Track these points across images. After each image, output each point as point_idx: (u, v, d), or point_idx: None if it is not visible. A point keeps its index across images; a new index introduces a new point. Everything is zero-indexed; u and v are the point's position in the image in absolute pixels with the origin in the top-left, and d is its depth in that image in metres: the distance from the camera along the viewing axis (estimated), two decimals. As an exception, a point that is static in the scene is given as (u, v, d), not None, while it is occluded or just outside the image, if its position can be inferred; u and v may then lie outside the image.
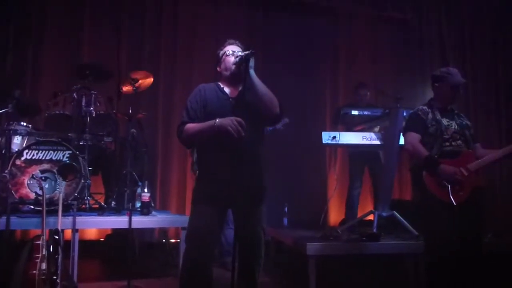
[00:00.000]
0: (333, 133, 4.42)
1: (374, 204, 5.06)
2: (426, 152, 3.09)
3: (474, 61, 6.02)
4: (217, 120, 2.37)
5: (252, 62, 2.43)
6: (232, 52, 2.58)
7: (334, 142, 4.41)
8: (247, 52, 2.45)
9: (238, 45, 2.65)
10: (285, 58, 5.90)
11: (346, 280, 4.01)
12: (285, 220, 5.15)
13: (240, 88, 2.56)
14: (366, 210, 4.96)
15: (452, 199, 2.98)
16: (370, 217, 4.50)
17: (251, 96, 2.46)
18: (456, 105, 3.37)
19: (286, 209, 5.16)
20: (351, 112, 4.42)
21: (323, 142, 4.42)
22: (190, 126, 2.48)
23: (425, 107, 3.25)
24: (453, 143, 3.14)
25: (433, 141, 3.14)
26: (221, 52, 2.64)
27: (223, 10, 5.90)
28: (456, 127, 3.18)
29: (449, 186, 2.99)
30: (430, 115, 3.19)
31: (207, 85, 2.64)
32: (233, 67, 2.54)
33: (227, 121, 2.34)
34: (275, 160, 5.74)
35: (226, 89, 2.60)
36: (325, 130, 4.60)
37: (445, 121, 3.17)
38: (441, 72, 3.25)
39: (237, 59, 2.50)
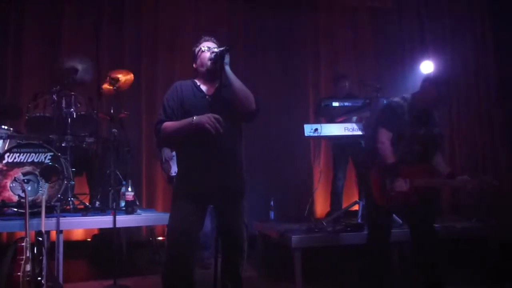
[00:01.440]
0: (315, 126, 4.45)
1: (359, 194, 5.11)
2: (392, 158, 3.03)
3: (454, 52, 6.07)
4: (194, 118, 2.39)
5: (227, 58, 2.44)
6: (208, 48, 2.58)
7: (316, 134, 4.44)
8: (222, 48, 2.47)
9: (213, 42, 2.65)
10: (266, 51, 5.92)
11: (333, 271, 4.06)
12: (272, 214, 5.18)
13: (216, 85, 2.55)
14: (353, 200, 5.00)
15: (386, 201, 3.09)
16: (356, 207, 4.55)
17: (228, 93, 2.48)
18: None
19: (272, 203, 5.20)
20: (332, 104, 4.47)
21: (305, 134, 4.46)
22: (168, 124, 2.49)
23: (405, 104, 3.12)
24: (413, 151, 3.10)
25: (397, 142, 3.08)
26: (197, 49, 2.64)
27: (204, 5, 5.88)
28: (423, 132, 3.12)
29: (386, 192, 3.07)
30: (406, 116, 3.08)
31: (183, 82, 2.64)
32: (209, 63, 2.54)
33: (205, 118, 2.35)
34: (259, 154, 5.79)
35: (203, 86, 2.60)
36: (308, 123, 4.64)
37: (416, 125, 3.10)
38: (437, 78, 3.23)
39: (213, 55, 2.51)
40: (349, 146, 4.85)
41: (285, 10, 6.05)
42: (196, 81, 2.63)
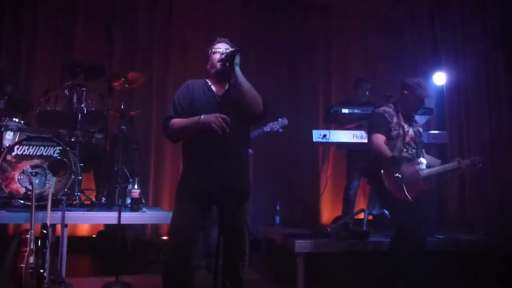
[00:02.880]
0: (323, 131, 4.45)
1: (368, 203, 5.08)
2: (390, 152, 3.28)
3: (466, 62, 6.02)
4: (202, 116, 2.39)
5: (237, 59, 2.44)
6: (219, 49, 2.59)
7: (324, 140, 4.43)
8: (232, 49, 2.48)
9: (227, 43, 2.65)
10: (278, 56, 5.93)
11: (336, 278, 4.02)
12: (277, 218, 5.17)
13: (227, 86, 2.58)
14: (359, 208, 4.96)
15: (408, 195, 3.20)
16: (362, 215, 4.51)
17: (237, 94, 2.48)
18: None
19: (278, 207, 5.19)
20: (341, 111, 4.45)
21: (314, 140, 4.46)
22: (176, 121, 2.50)
23: (390, 110, 3.43)
24: (409, 150, 3.39)
25: (392, 145, 3.35)
26: (210, 50, 2.65)
27: (217, 8, 5.91)
28: (412, 134, 3.43)
29: (403, 184, 3.20)
30: (395, 119, 3.40)
31: (195, 81, 2.66)
32: (218, 64, 2.55)
33: (212, 118, 2.36)
34: (267, 159, 5.81)
35: (213, 87, 2.61)
36: (317, 129, 4.63)
37: (405, 127, 3.40)
38: (412, 82, 3.45)
39: (223, 56, 2.52)
40: (364, 154, 4.75)
41: (297, 15, 6.07)
42: (208, 81, 2.64)
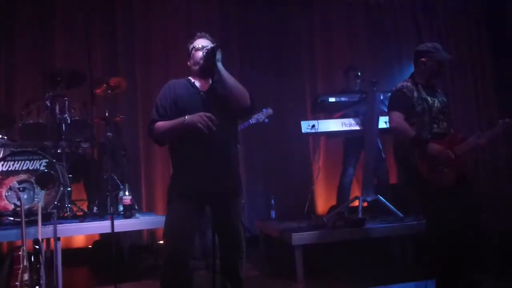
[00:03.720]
0: (311, 122, 4.43)
1: (362, 189, 5.07)
2: (413, 131, 3.01)
3: (450, 47, 6.02)
4: (186, 117, 2.36)
5: (219, 55, 2.42)
6: (201, 46, 2.56)
7: (313, 130, 4.42)
8: (212, 46, 2.45)
9: (207, 38, 2.63)
10: (261, 49, 5.87)
11: (335, 268, 4.03)
12: (273, 213, 5.16)
13: (210, 82, 2.54)
14: (354, 195, 4.96)
15: (447, 179, 2.96)
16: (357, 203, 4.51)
17: (222, 89, 2.46)
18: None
19: (272, 201, 5.18)
20: (328, 100, 4.43)
21: (303, 131, 4.44)
22: (160, 124, 2.46)
23: (409, 84, 3.13)
24: (440, 125, 3.07)
25: (420, 122, 3.05)
26: (191, 46, 2.62)
27: (196, 4, 5.84)
28: (438, 105, 3.11)
29: (440, 166, 2.94)
30: (415, 93, 3.09)
31: (177, 80, 2.63)
32: (201, 61, 2.53)
33: (196, 117, 2.33)
34: (258, 154, 5.78)
35: (197, 83, 2.58)
36: (306, 120, 4.61)
37: (429, 99, 3.09)
38: (428, 47, 3.16)
39: (204, 52, 2.49)
40: (362, 141, 4.66)
41: (279, 7, 6.00)
42: (191, 78, 2.62)
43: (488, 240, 3.90)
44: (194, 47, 2.59)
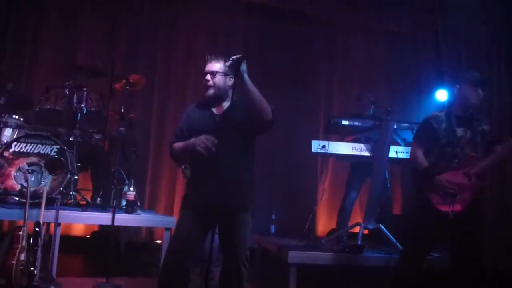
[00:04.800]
0: (322, 142, 4.43)
1: (364, 216, 5.04)
2: (425, 163, 3.05)
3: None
4: (191, 140, 2.48)
5: (244, 66, 2.42)
6: (206, 72, 2.60)
7: (323, 151, 4.41)
8: (238, 56, 2.44)
9: (215, 60, 2.63)
10: (280, 66, 5.93)
11: (327, 290, 4.00)
12: (272, 228, 5.15)
13: (227, 104, 2.60)
14: (356, 221, 4.93)
15: (450, 212, 2.97)
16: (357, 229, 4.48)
17: (238, 111, 2.52)
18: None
19: (273, 216, 5.17)
20: (341, 122, 4.43)
21: (312, 150, 4.43)
22: (176, 145, 2.63)
23: (441, 114, 3.13)
24: (462, 157, 3.04)
25: (443, 154, 3.05)
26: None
27: (221, 16, 5.95)
28: (469, 135, 3.06)
29: (447, 195, 2.97)
30: (444, 124, 3.07)
31: (197, 103, 2.74)
32: (208, 91, 2.59)
33: (197, 141, 2.44)
34: (265, 167, 5.78)
35: (212, 107, 2.64)
36: (318, 139, 4.62)
37: (460, 131, 3.05)
38: (462, 73, 3.19)
39: (228, 63, 2.49)
40: (370, 167, 4.64)
41: (301, 25, 6.09)
42: (210, 103, 2.67)
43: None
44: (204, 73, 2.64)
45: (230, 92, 2.57)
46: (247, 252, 2.61)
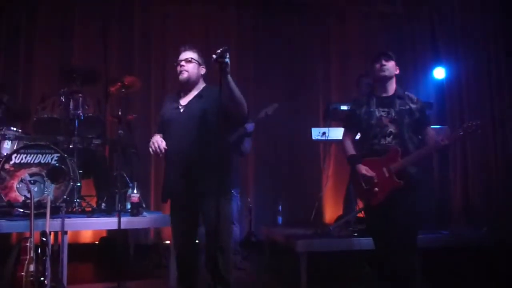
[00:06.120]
0: (322, 129, 4.43)
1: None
2: (351, 151, 3.04)
3: (467, 57, 5.96)
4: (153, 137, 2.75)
5: (227, 59, 2.44)
6: (181, 60, 2.79)
7: (324, 138, 4.41)
8: (222, 49, 2.44)
9: (190, 50, 2.82)
10: (276, 54, 5.89)
11: (338, 276, 4.00)
12: (279, 219, 5.15)
13: (193, 95, 2.78)
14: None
15: (369, 199, 2.94)
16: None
17: (200, 103, 2.71)
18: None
19: (280, 207, 5.17)
20: (340, 108, 4.41)
21: (313, 138, 4.44)
22: None
23: (363, 98, 3.09)
24: (381, 141, 2.91)
25: (365, 137, 2.99)
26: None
27: (213, 10, 5.90)
28: (393, 115, 2.92)
29: (364, 186, 2.90)
30: (364, 107, 3.00)
31: (171, 95, 2.97)
32: (181, 76, 2.77)
33: (152, 140, 2.71)
34: (268, 159, 5.79)
35: (182, 97, 2.82)
36: (318, 127, 4.61)
37: (379, 112, 2.94)
38: (374, 56, 3.05)
39: (214, 56, 2.48)
40: None
41: (295, 15, 6.04)
42: (181, 91, 2.86)
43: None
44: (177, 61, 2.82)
45: (201, 82, 2.83)
46: (228, 239, 2.75)
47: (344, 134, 3.14)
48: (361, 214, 4.58)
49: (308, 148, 5.64)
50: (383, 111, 2.95)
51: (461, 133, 2.85)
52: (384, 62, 2.95)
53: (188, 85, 2.79)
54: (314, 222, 4.74)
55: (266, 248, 4.90)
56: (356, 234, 3.95)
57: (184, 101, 2.80)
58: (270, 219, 5.45)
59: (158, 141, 2.65)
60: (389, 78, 2.99)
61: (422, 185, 2.96)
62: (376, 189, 2.88)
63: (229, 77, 2.51)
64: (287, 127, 5.68)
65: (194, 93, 2.79)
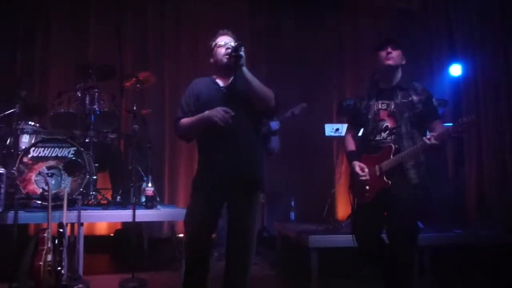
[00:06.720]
0: (335, 125, 4.44)
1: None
2: (350, 147, 2.91)
3: (483, 53, 5.87)
4: (205, 112, 2.43)
5: (242, 52, 2.41)
6: (224, 43, 2.58)
7: (337, 134, 4.42)
8: (235, 44, 2.45)
9: (229, 35, 2.64)
10: (289, 51, 5.90)
11: (349, 273, 4.01)
12: (292, 214, 5.18)
13: (232, 78, 2.57)
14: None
15: (355, 200, 2.84)
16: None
17: (243, 84, 2.48)
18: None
19: (292, 203, 5.19)
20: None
21: (326, 134, 4.46)
22: (184, 120, 2.55)
23: (367, 91, 2.92)
24: (376, 137, 2.75)
25: (364, 133, 2.84)
26: (213, 43, 2.65)
27: (225, 7, 5.93)
28: (393, 107, 2.72)
29: (355, 185, 2.79)
30: (365, 101, 2.85)
31: (200, 78, 2.69)
32: (224, 58, 2.55)
33: (213, 112, 2.40)
34: (282, 154, 5.77)
35: (219, 80, 2.63)
36: (332, 123, 4.62)
37: (377, 105, 2.77)
38: (376, 45, 2.84)
39: (228, 50, 2.50)
40: None
41: (308, 11, 6.02)
42: (214, 76, 2.66)
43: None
44: (216, 44, 2.62)
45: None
46: (254, 242, 2.54)
47: (347, 130, 3.03)
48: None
49: (321, 144, 5.64)
50: (382, 104, 2.76)
51: (451, 132, 2.55)
52: (390, 50, 2.74)
53: (227, 70, 2.56)
54: (326, 218, 4.77)
55: (278, 244, 4.94)
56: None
57: (224, 83, 2.60)
58: (282, 215, 5.48)
59: (221, 111, 2.38)
60: (394, 68, 2.77)
61: (419, 189, 2.70)
62: (367, 187, 2.73)
63: (244, 69, 2.41)
64: (300, 123, 5.67)
65: (231, 76, 2.57)
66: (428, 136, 2.57)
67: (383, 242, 2.82)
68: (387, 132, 2.72)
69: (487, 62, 5.81)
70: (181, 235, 5.08)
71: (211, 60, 2.67)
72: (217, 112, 2.38)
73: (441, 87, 5.88)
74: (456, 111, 5.74)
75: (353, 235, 2.89)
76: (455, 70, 5.80)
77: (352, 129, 3.00)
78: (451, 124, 2.70)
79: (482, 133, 5.82)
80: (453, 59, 5.91)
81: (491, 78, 5.84)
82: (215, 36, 2.66)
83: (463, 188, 5.55)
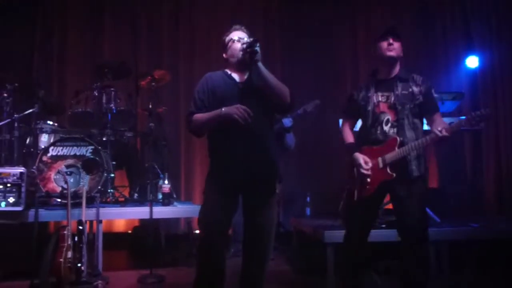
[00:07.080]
0: (350, 120, 4.39)
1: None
2: (349, 139, 2.87)
3: (501, 45, 5.77)
4: (223, 109, 2.40)
5: (257, 48, 2.38)
6: (238, 38, 2.56)
7: (351, 128, 4.38)
8: (250, 40, 2.44)
9: (243, 31, 2.63)
10: (303, 45, 5.86)
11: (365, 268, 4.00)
12: (308, 210, 5.17)
13: (247, 74, 2.57)
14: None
15: (356, 193, 2.80)
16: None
17: (259, 81, 2.47)
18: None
19: (308, 199, 5.18)
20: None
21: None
22: (198, 116, 2.50)
23: (362, 84, 2.89)
24: (378, 130, 2.71)
25: (364, 125, 2.79)
26: (227, 38, 2.62)
27: (241, 6, 5.95)
28: (393, 99, 2.68)
29: (357, 178, 2.76)
30: (363, 92, 2.80)
31: (213, 73, 2.65)
32: (240, 54, 2.51)
33: (233, 109, 2.36)
34: (297, 150, 5.77)
35: (234, 75, 2.59)
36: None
37: (377, 97, 2.73)
38: (379, 35, 2.78)
39: (244, 45, 2.48)
40: None
41: (322, 3, 5.99)
42: (227, 70, 2.63)
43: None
44: (231, 39, 2.59)
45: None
46: (271, 237, 2.55)
47: (343, 121, 2.96)
48: (389, 206, 4.56)
49: (336, 139, 5.59)
50: (382, 96, 2.72)
51: (463, 125, 2.52)
52: (392, 41, 2.69)
53: (242, 65, 2.54)
54: (341, 214, 4.75)
55: (294, 239, 4.95)
56: (383, 226, 3.93)
57: (239, 79, 2.58)
58: (298, 210, 5.48)
59: (240, 109, 2.35)
60: (395, 59, 2.72)
61: (420, 183, 2.70)
62: (368, 180, 2.70)
63: (259, 64, 2.39)
64: (315, 118, 5.67)
65: (246, 72, 2.57)
66: (439, 128, 2.52)
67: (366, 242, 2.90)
68: (389, 125, 2.69)
69: (505, 53, 5.71)
70: (198, 231, 5.14)
71: (224, 55, 2.64)
72: (237, 110, 2.35)
73: (458, 79, 5.81)
74: (473, 104, 5.66)
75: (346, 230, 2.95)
76: (472, 62, 5.72)
77: (348, 120, 2.95)
78: (464, 117, 2.66)
79: (500, 126, 5.73)
80: (469, 50, 5.83)
81: (509, 69, 5.74)
82: (229, 31, 2.64)
83: (481, 182, 5.48)
